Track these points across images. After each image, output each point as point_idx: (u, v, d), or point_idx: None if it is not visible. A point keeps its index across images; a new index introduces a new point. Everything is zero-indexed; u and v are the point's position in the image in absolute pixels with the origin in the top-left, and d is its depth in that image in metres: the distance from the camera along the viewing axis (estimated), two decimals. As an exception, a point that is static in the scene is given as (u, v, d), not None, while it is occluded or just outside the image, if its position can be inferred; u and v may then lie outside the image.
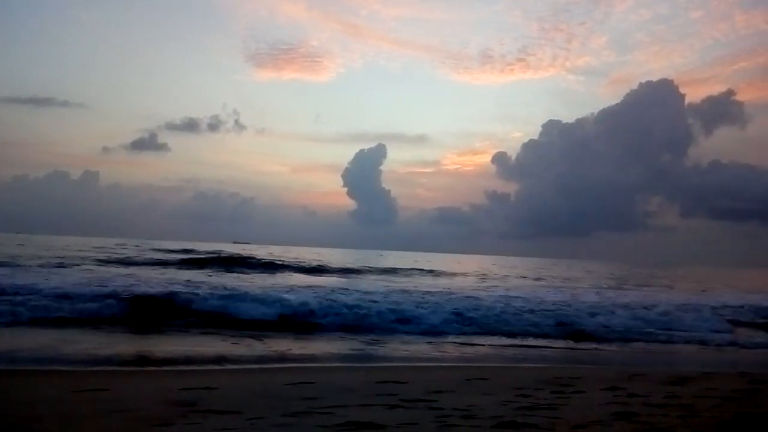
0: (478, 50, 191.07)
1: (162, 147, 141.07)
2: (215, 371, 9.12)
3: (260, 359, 10.21)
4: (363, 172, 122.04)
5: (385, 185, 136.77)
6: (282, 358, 10.40)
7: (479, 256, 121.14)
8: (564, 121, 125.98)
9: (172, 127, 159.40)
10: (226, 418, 5.61)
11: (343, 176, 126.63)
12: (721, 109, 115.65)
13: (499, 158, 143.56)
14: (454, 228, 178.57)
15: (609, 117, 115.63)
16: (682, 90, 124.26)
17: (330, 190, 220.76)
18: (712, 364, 11.26)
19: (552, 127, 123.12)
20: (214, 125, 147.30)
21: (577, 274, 46.85)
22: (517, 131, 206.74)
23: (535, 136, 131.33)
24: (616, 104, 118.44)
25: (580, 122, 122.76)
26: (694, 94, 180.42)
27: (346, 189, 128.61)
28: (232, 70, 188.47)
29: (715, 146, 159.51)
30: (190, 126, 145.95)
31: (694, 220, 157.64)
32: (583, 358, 12.28)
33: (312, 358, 10.62)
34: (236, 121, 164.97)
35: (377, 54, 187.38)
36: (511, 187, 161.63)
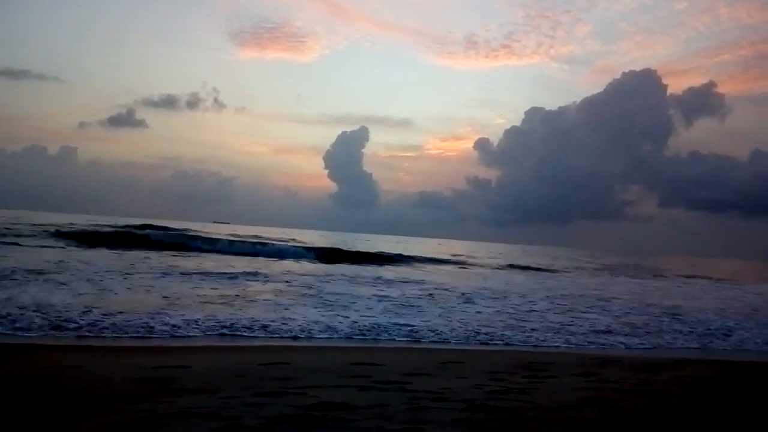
0: (462, 35, 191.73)
1: (140, 123, 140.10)
2: (189, 349, 9.07)
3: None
4: (345, 155, 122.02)
5: (367, 168, 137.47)
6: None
7: (460, 242, 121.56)
8: (547, 109, 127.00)
9: (150, 103, 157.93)
10: (198, 397, 5.57)
11: (325, 158, 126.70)
12: (702, 101, 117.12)
13: (482, 144, 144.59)
14: (435, 213, 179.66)
15: (591, 105, 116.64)
16: (664, 81, 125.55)
17: (311, 172, 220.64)
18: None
19: (535, 114, 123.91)
20: (193, 102, 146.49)
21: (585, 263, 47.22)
22: (500, 118, 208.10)
23: (518, 123, 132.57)
24: (599, 93, 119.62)
25: (562, 110, 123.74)
26: (676, 85, 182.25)
27: (327, 171, 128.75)
28: (213, 47, 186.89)
29: (695, 137, 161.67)
30: (169, 103, 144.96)
31: (672, 210, 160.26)
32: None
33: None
34: (216, 99, 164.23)
35: (362, 36, 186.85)
36: (492, 174, 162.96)
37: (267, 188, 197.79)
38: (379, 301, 15.38)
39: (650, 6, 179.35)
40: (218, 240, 33.22)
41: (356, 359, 8.12)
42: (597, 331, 12.93)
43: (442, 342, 10.88)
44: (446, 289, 19.80)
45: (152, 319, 10.51)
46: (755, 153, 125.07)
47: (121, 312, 10.81)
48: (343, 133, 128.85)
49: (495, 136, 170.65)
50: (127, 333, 9.61)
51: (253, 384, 6.25)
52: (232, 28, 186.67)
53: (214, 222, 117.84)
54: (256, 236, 43.37)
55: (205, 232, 40.52)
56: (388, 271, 26.14)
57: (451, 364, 8.26)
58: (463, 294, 18.43)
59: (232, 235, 41.88)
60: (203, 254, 28.01)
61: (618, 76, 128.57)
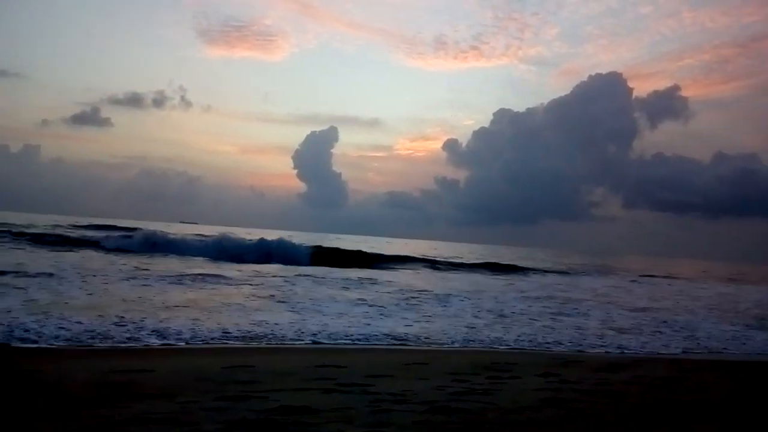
0: (432, 36, 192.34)
1: (105, 122, 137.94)
2: (152, 353, 8.97)
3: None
4: (314, 155, 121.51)
5: (336, 168, 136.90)
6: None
7: (428, 241, 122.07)
8: (515, 110, 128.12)
9: (115, 101, 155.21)
10: (158, 402, 5.52)
11: (294, 158, 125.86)
12: (666, 104, 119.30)
13: (450, 145, 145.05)
14: (404, 213, 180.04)
15: (558, 107, 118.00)
16: (629, 84, 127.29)
17: (280, 172, 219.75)
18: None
19: (503, 115, 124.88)
20: (159, 101, 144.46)
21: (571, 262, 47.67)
22: (469, 119, 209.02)
23: (486, 124, 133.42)
24: (566, 95, 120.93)
25: (530, 112, 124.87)
26: (641, 88, 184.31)
27: (296, 171, 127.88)
28: (180, 45, 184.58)
29: (659, 140, 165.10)
30: (134, 101, 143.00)
31: (637, 211, 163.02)
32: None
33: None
34: (182, 98, 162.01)
35: (331, 35, 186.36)
36: (461, 174, 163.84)
37: (234, 188, 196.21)
38: (350, 303, 15.38)
39: (616, 10, 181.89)
40: (189, 241, 32.75)
41: (321, 361, 8.12)
42: (562, 331, 13.09)
43: (407, 343, 10.90)
44: (416, 290, 19.88)
45: (114, 323, 10.35)
46: (717, 155, 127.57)
47: (80, 315, 10.63)
48: (312, 133, 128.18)
49: (464, 137, 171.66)
50: (87, 337, 9.44)
51: (215, 388, 6.20)
52: (200, 25, 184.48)
53: (181, 222, 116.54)
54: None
55: (172, 233, 40.07)
56: (356, 273, 26.12)
57: (414, 365, 8.29)
58: (435, 295, 18.52)
59: (198, 235, 41.48)
60: (172, 256, 27.45)
61: (585, 78, 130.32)
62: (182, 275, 18.84)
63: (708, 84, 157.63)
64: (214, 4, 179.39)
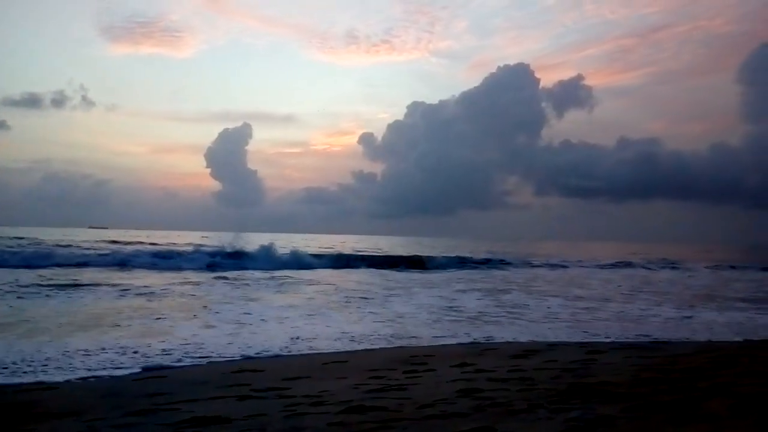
0: (343, 30, 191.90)
1: (1, 125, 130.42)
2: (59, 368, 8.55)
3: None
4: (228, 153, 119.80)
5: (252, 166, 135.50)
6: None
7: (346, 236, 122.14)
8: (428, 103, 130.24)
9: (10, 102, 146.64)
10: (63, 422, 5.29)
11: (207, 157, 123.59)
12: (572, 93, 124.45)
13: (366, 139, 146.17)
14: (322, 208, 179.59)
15: (470, 99, 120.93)
16: (537, 74, 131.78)
17: (193, 171, 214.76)
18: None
19: (416, 108, 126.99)
20: (58, 101, 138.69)
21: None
22: (383, 112, 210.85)
23: (401, 117, 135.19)
24: (476, 87, 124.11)
25: (443, 104, 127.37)
26: (547, 79, 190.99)
27: (209, 170, 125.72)
28: (81, 42, 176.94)
29: (566, 128, 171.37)
30: (32, 102, 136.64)
31: (547, 198, 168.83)
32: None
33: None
34: (84, 97, 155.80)
35: (242, 31, 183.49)
36: (378, 167, 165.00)
37: (145, 189, 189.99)
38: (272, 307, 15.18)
39: (522, 3, 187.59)
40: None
41: (237, 367, 7.99)
42: (475, 320, 13.35)
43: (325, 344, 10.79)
44: (339, 288, 19.87)
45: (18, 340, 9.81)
46: (621, 141, 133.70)
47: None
48: (225, 131, 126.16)
49: (379, 131, 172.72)
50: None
51: (125, 403, 5.99)
52: (103, 22, 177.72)
53: (90, 227, 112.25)
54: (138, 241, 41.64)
55: (81, 240, 38.52)
56: (272, 273, 25.87)
57: (332, 365, 8.27)
58: (347, 293, 18.53)
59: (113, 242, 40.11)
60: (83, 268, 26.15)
61: (494, 70, 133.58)
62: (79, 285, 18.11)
63: (610, 73, 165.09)
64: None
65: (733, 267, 40.43)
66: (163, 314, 12.81)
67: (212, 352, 9.04)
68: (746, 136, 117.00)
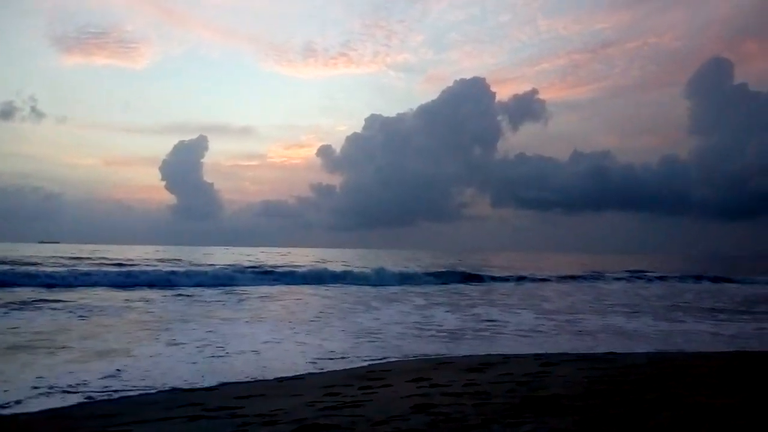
0: (301, 43, 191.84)
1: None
2: None
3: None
4: (183, 165, 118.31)
5: (208, 178, 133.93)
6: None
7: (305, 249, 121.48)
8: (386, 115, 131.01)
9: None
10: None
11: (162, 169, 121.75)
12: (526, 107, 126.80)
13: (324, 151, 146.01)
14: (280, 221, 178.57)
15: (427, 112, 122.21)
16: (492, 88, 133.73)
17: (147, 184, 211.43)
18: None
19: (374, 121, 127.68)
20: (7, 112, 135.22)
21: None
22: (342, 125, 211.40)
23: (359, 130, 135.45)
24: (434, 100, 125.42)
25: (400, 117, 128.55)
26: (502, 92, 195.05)
27: (165, 183, 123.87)
28: (32, 53, 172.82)
29: (521, 141, 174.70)
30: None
31: (503, 210, 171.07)
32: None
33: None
34: (33, 109, 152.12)
35: (198, 42, 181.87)
36: (336, 180, 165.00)
37: (98, 203, 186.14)
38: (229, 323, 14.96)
39: (478, 17, 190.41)
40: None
41: (189, 386, 7.84)
42: (435, 336, 13.39)
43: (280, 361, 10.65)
44: (290, 305, 19.71)
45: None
46: (574, 154, 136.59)
47: None
48: (181, 143, 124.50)
49: (337, 143, 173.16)
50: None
51: (71, 426, 5.82)
52: (54, 32, 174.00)
53: (41, 242, 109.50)
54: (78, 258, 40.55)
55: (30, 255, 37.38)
56: (224, 289, 25.56)
57: (288, 381, 8.19)
58: (307, 308, 18.41)
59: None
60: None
61: (450, 83, 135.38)
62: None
63: (563, 87, 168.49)
64: (71, 9, 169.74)
65: (684, 277, 41.40)
66: (113, 334, 12.52)
67: (164, 373, 8.82)
68: (694, 149, 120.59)
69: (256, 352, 10.66)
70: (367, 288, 28.04)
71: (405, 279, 32.95)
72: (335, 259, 63.05)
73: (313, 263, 47.29)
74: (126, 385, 7.94)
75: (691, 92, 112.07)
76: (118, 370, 8.82)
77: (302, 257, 62.42)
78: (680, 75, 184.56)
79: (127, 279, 26.31)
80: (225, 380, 8.34)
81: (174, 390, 7.68)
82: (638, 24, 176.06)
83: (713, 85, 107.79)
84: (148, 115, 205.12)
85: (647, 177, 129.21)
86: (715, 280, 40.04)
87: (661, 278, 40.73)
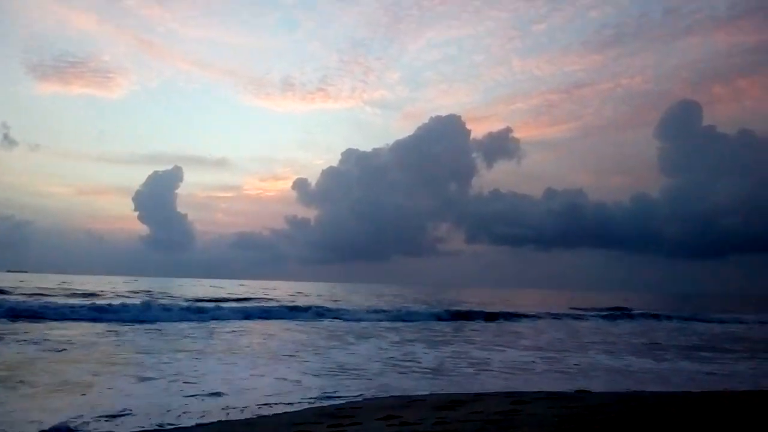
0: (279, 77, 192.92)
1: None
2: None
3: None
4: (157, 196, 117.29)
5: (182, 209, 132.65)
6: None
7: (279, 282, 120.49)
8: (362, 150, 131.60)
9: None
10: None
11: (135, 199, 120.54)
12: (501, 145, 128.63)
13: (300, 184, 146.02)
14: (254, 253, 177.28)
15: (403, 147, 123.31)
16: (468, 126, 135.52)
17: (120, 214, 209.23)
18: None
19: (350, 155, 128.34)
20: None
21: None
22: (318, 158, 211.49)
23: (335, 164, 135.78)
24: (410, 136, 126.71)
25: (376, 152, 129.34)
26: (477, 130, 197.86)
27: (138, 213, 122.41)
28: (6, 80, 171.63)
29: (495, 178, 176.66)
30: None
31: (478, 245, 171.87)
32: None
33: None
34: (6, 136, 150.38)
35: (175, 74, 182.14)
36: (311, 213, 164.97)
37: (69, 232, 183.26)
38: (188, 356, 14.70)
39: (453, 57, 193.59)
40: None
41: (153, 428, 7.65)
42: (409, 373, 13.29)
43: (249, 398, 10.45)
44: (264, 340, 19.47)
45: None
46: (547, 191, 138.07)
47: None
48: (155, 173, 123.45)
49: (313, 177, 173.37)
50: None
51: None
52: (31, 60, 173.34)
53: (8, 271, 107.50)
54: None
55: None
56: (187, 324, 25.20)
57: (257, 420, 8.04)
58: (282, 343, 18.18)
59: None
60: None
61: (426, 120, 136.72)
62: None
63: (537, 126, 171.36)
64: (48, 38, 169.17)
65: (656, 315, 41.73)
66: (76, 369, 12.24)
67: (123, 412, 8.56)
68: (664, 188, 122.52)
69: (227, 388, 10.46)
70: (340, 323, 27.81)
71: (378, 314, 32.72)
72: (309, 292, 62.69)
73: (286, 297, 46.94)
74: (80, 428, 7.72)
75: (661, 133, 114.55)
76: (68, 408, 8.58)
77: (275, 291, 61.84)
78: (651, 116, 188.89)
79: (95, 311, 25.71)
80: (190, 419, 8.18)
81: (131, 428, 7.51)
82: (610, 66, 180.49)
83: (683, 126, 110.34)
84: (123, 145, 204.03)
85: (619, 215, 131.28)
86: (686, 319, 40.41)
87: (632, 316, 41.00)
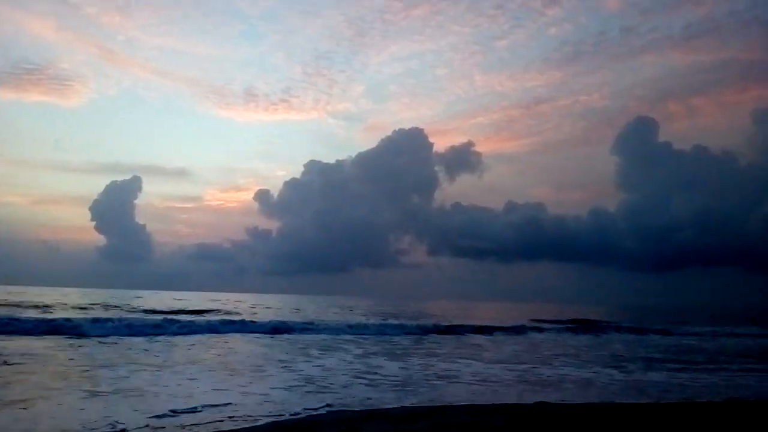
0: (242, 88, 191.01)
1: None
2: None
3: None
4: (115, 206, 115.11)
5: (140, 220, 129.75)
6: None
7: (239, 294, 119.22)
8: (325, 162, 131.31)
9: None
10: None
11: (92, 209, 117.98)
12: (463, 158, 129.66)
13: (262, 195, 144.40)
14: (214, 265, 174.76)
15: (366, 160, 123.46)
16: (430, 139, 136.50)
17: (76, 224, 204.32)
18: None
19: (313, 166, 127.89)
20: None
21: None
22: (281, 170, 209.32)
23: (298, 175, 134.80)
24: (373, 148, 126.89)
25: (339, 163, 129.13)
26: (440, 143, 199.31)
27: (94, 223, 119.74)
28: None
29: (457, 191, 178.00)
30: None
31: (440, 258, 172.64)
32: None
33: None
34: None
35: (135, 82, 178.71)
36: (273, 224, 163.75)
37: (23, 242, 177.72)
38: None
39: (416, 71, 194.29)
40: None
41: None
42: (372, 385, 13.21)
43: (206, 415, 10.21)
44: (221, 354, 19.19)
45: None
46: (508, 204, 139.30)
47: None
48: (113, 183, 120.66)
49: (275, 188, 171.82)
50: None
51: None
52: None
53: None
54: None
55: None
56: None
57: (215, 434, 7.89)
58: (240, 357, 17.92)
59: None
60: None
61: (389, 133, 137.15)
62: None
63: (498, 140, 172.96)
64: (4, 44, 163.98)
65: (616, 327, 42.32)
66: (22, 384, 11.87)
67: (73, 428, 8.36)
68: (621, 203, 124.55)
69: (186, 405, 10.23)
70: (301, 335, 27.56)
71: (340, 327, 32.53)
72: (270, 304, 62.09)
73: (248, 309, 46.41)
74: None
75: (618, 149, 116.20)
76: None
77: (236, 303, 61.09)
78: (608, 132, 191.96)
79: (47, 324, 24.89)
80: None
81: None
82: (569, 83, 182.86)
83: (639, 142, 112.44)
84: (80, 153, 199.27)
85: (578, 229, 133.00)
86: (642, 331, 41.03)
87: (592, 329, 41.48)
